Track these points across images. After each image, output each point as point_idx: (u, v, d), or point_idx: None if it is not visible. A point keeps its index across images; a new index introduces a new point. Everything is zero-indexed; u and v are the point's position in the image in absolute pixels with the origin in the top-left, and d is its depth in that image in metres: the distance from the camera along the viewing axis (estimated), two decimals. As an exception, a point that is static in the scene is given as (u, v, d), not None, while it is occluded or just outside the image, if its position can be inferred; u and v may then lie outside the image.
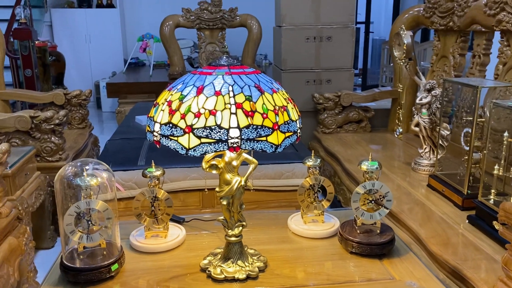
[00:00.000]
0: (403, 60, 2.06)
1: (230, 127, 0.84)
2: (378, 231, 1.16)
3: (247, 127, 0.85)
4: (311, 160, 1.23)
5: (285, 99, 0.94)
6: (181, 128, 0.86)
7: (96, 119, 5.41)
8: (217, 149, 0.85)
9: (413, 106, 2.12)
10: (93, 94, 5.99)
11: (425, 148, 2.13)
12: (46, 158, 2.31)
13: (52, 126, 2.28)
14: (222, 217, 1.06)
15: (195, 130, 0.85)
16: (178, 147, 0.86)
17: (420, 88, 2.12)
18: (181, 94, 0.89)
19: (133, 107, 3.16)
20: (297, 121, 0.95)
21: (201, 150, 0.85)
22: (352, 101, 2.78)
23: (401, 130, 2.07)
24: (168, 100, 0.90)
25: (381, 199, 1.12)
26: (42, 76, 4.18)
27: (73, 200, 1.03)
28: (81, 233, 1.02)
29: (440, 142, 2.06)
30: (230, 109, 0.85)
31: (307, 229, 1.24)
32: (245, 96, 0.87)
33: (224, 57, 0.95)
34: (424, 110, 2.07)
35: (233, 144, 0.85)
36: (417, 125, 2.11)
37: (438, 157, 2.08)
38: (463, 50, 2.39)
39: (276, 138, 0.88)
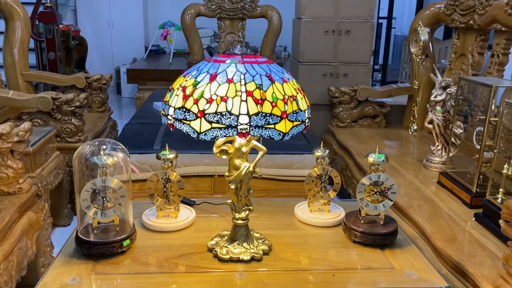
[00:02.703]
0: (419, 57, 2.06)
1: (240, 114, 0.88)
2: (382, 223, 1.19)
3: (256, 114, 0.89)
4: (319, 151, 1.27)
5: (295, 89, 0.97)
6: (193, 113, 0.90)
7: (115, 104, 5.51)
8: (227, 134, 0.89)
9: (428, 103, 2.13)
10: (114, 79, 6.10)
11: (437, 145, 2.13)
12: (66, 139, 2.38)
13: (73, 108, 2.35)
14: (230, 201, 1.11)
15: (207, 115, 0.89)
16: (190, 130, 0.91)
17: (435, 86, 2.13)
18: (195, 80, 0.93)
19: (152, 93, 3.23)
20: (306, 111, 0.98)
21: (211, 134, 0.89)
22: (368, 96, 2.79)
23: (415, 127, 2.08)
24: (182, 85, 0.94)
25: (386, 191, 1.15)
26: (64, 59, 4.27)
27: (90, 178, 1.08)
28: (96, 209, 1.07)
29: (453, 140, 2.07)
30: (241, 96, 0.89)
31: (313, 217, 1.27)
32: (256, 84, 0.91)
33: (238, 46, 0.99)
34: (438, 108, 2.07)
35: (242, 130, 0.89)
36: (431, 122, 2.12)
37: (450, 155, 2.09)
38: (482, 49, 2.38)
39: (284, 126, 0.92)
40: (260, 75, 0.93)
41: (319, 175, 1.27)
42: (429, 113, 2.12)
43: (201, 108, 0.89)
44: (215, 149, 1.05)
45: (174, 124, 0.94)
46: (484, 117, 1.74)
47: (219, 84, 0.90)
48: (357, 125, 2.85)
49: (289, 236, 1.21)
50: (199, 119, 0.89)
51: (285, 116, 0.91)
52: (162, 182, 1.21)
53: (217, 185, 1.81)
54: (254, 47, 5.32)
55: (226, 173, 1.07)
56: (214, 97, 0.89)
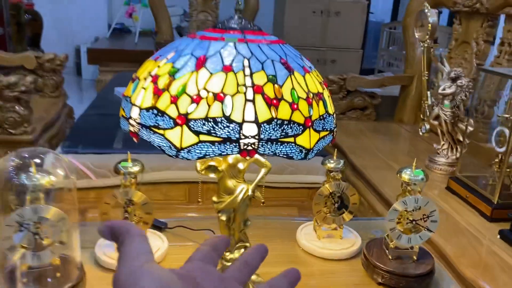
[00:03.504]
0: (426, 42, 1.79)
1: (244, 121, 0.57)
2: (415, 258, 0.91)
3: (269, 121, 0.58)
4: (332, 162, 0.97)
5: (320, 82, 0.66)
6: (170, 118, 0.58)
7: (75, 86, 5.05)
8: (223, 152, 0.58)
9: (423, 96, 1.86)
10: (73, 60, 5.61)
11: (443, 144, 1.88)
12: (9, 131, 2.00)
13: (17, 93, 1.96)
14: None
15: (192, 122, 0.57)
16: (164, 144, 0.59)
17: (443, 77, 1.87)
18: (173, 67, 0.60)
19: (114, 77, 2.85)
20: (334, 115, 0.68)
21: (198, 151, 0.58)
22: (358, 85, 2.52)
23: (427, 126, 1.81)
24: (153, 74, 0.62)
25: (425, 219, 0.87)
26: (15, 36, 3.79)
27: (17, 206, 0.74)
28: (24, 250, 0.74)
29: (461, 138, 1.83)
30: (245, 93, 0.57)
31: (322, 247, 0.98)
32: (268, 76, 0.59)
33: (236, 17, 0.66)
34: (446, 102, 1.81)
35: (248, 146, 0.57)
36: (437, 118, 1.86)
37: (457, 155, 1.85)
38: (489, 36, 2.14)
39: (307, 139, 0.61)
40: (273, 61, 0.61)
41: (332, 193, 0.97)
42: (435, 107, 1.86)
43: (182, 111, 0.57)
44: (199, 165, 0.73)
45: (140, 134, 0.62)
46: (508, 116, 1.48)
47: (211, 74, 0.58)
48: (345, 118, 2.58)
49: (293, 275, 0.91)
50: (179, 128, 0.57)
51: (309, 124, 0.61)
52: (123, 205, 0.88)
53: (193, 193, 1.49)
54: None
55: (215, 198, 0.76)
56: (203, 93, 0.57)
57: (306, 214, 1.53)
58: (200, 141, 0.57)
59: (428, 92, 1.87)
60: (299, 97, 0.60)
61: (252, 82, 0.58)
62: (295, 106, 0.59)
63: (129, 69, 4.06)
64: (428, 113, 1.87)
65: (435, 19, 1.72)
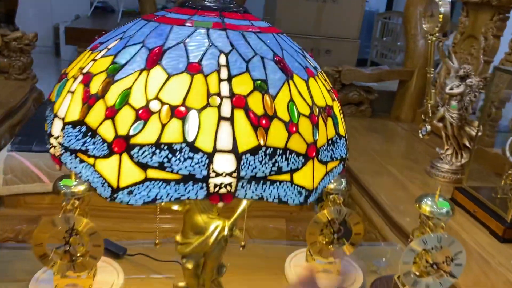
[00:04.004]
0: (435, 36, 1.60)
1: (216, 150, 0.37)
2: (432, 306, 0.73)
3: (255, 151, 0.38)
4: (332, 182, 0.78)
5: (328, 90, 0.47)
6: (104, 140, 0.38)
7: (53, 68, 4.76)
8: (183, 195, 0.38)
9: (426, 95, 1.68)
10: (52, 39, 5.31)
11: (447, 149, 1.71)
12: (-39, 118, 1.77)
13: (-29, 76, 1.73)
14: (183, 284, 0.60)
15: (136, 150, 0.37)
16: (95, 180, 0.39)
17: (450, 74, 1.68)
18: (114, 62, 0.40)
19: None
20: (346, 136, 0.48)
21: (145, 194, 0.38)
22: (354, 79, 2.33)
23: (429, 128, 1.63)
24: (85, 71, 0.42)
25: (448, 262, 0.69)
26: (-15, 11, 3.51)
27: None
28: None
29: (467, 143, 1.66)
30: (219, 107, 0.38)
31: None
32: (255, 81, 0.39)
33: (214, -7, 0.46)
34: (454, 103, 1.63)
35: (220, 187, 0.38)
36: (441, 119, 1.68)
37: (463, 162, 1.68)
38: (499, 31, 1.95)
39: (310, 175, 0.42)
40: (263, 58, 0.41)
41: (331, 221, 0.78)
42: (440, 108, 1.68)
43: (122, 131, 0.37)
44: (158, 195, 0.53)
45: (63, 159, 0.41)
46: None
47: (169, 75, 0.38)
48: (339, 113, 2.39)
49: (280, 324, 0.73)
50: (116, 156, 0.38)
51: (314, 153, 0.41)
52: (64, 235, 0.68)
53: (165, 201, 1.29)
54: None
55: (178, 238, 0.57)
56: (154, 105, 0.37)
57: (294, 227, 1.34)
58: (147, 179, 0.37)
59: (432, 91, 1.69)
60: (299, 114, 0.40)
61: (231, 91, 0.38)
62: (294, 127, 0.40)
63: (109, 51, 3.83)
64: (430, 113, 1.69)
65: (447, 9, 1.52)
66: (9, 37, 2.39)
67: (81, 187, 0.68)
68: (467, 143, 1.65)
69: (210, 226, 0.55)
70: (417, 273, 0.70)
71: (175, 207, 0.54)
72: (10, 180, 1.17)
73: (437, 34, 1.58)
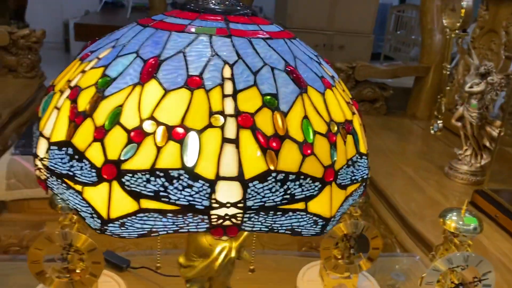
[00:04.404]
0: (456, 32, 1.53)
1: (218, 177, 0.32)
2: (456, 328, 0.67)
3: (263, 177, 0.33)
4: (349, 192, 0.73)
5: (347, 103, 0.42)
6: (92, 165, 0.33)
7: (63, 64, 4.75)
8: (182, 227, 0.33)
9: (443, 91, 1.61)
10: (62, 35, 5.31)
11: (466, 149, 1.64)
12: (-32, 118, 1.74)
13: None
14: (187, 308, 0.56)
15: (128, 177, 0.32)
16: (84, 209, 0.34)
17: (470, 72, 1.61)
18: (105, 74, 0.35)
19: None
20: (367, 154, 0.43)
21: (139, 226, 0.33)
22: (368, 75, 2.26)
23: (440, 125, 1.56)
24: (72, 84, 0.37)
25: (475, 284, 0.63)
26: (-4, 7, 3.50)
27: None
28: None
29: (487, 144, 1.59)
30: (222, 127, 0.33)
31: (331, 302, 0.75)
32: (263, 95, 0.34)
33: (219, -6, 0.41)
34: (474, 102, 1.56)
35: (224, 219, 0.33)
36: (460, 118, 1.62)
37: (483, 163, 1.61)
38: (521, 25, 1.88)
39: (328, 201, 0.36)
40: (273, 68, 0.36)
41: (347, 235, 0.73)
42: (459, 107, 1.62)
43: (112, 155, 0.33)
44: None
45: (49, 184, 0.37)
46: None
47: (166, 91, 0.34)
48: (352, 111, 2.33)
49: None
50: (106, 184, 0.33)
51: (332, 177, 0.36)
52: (62, 251, 0.64)
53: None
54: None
55: (181, 260, 0.52)
56: (148, 126, 0.33)
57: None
58: (141, 210, 0.33)
59: (447, 88, 1.62)
60: (315, 133, 0.35)
61: (236, 108, 0.33)
62: (309, 149, 0.35)
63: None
64: (443, 109, 1.62)
65: (470, 3, 1.45)
66: (17, 35, 2.36)
67: (80, 201, 0.63)
68: (487, 144, 1.58)
69: (216, 248, 0.50)
70: (441, 294, 0.65)
71: (178, 227, 0.50)
72: (14, 185, 1.14)
73: (457, 30, 1.51)
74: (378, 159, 1.80)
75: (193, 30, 0.37)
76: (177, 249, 0.87)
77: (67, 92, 0.37)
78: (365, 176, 0.41)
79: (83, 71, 0.37)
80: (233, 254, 0.51)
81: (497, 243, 1.26)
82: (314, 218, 0.36)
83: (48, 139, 0.36)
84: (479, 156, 1.62)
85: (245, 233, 0.51)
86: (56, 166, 0.35)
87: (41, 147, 0.37)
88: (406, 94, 2.42)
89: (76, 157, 0.34)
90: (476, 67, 1.59)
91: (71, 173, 0.34)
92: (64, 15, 5.33)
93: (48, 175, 0.36)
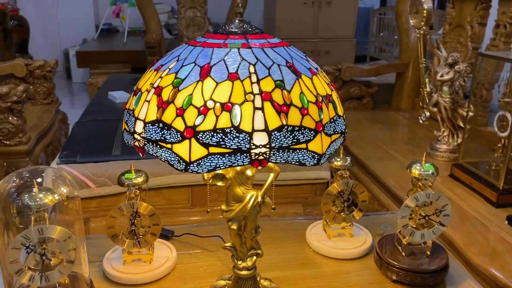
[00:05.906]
0: (423, 29, 1.77)
1: (254, 130, 0.55)
2: (429, 253, 0.90)
3: (280, 129, 0.56)
4: (339, 160, 0.95)
5: (327, 83, 0.64)
6: (177, 131, 0.56)
7: (66, 91, 4.99)
8: (234, 163, 0.56)
9: (421, 84, 1.84)
10: (62, 63, 5.54)
11: (444, 131, 1.87)
12: (3, 142, 1.96)
13: (9, 104, 1.93)
14: (229, 244, 0.78)
15: (200, 134, 0.55)
16: (173, 158, 0.56)
17: (440, 63, 1.85)
18: (177, 77, 0.58)
19: (106, 80, 2.81)
20: (343, 116, 0.66)
21: (209, 164, 0.55)
22: (353, 75, 2.50)
23: (427, 114, 1.79)
24: (156, 85, 0.59)
25: (437, 214, 0.86)
26: (2, 43, 3.73)
27: (20, 225, 0.72)
28: (32, 272, 0.72)
29: (461, 124, 1.82)
30: (253, 101, 0.55)
31: (333, 246, 0.97)
32: (275, 81, 0.57)
33: (237, 21, 0.64)
34: (445, 88, 1.80)
35: (259, 155, 0.55)
36: (436, 104, 1.85)
37: (459, 141, 1.84)
38: (483, 19, 2.12)
39: (319, 144, 0.59)
40: (279, 65, 0.59)
41: (341, 192, 0.96)
42: (434, 94, 1.85)
43: (189, 123, 0.55)
44: (205, 175, 0.71)
45: (146, 148, 0.59)
46: (509, 100, 1.47)
47: (217, 83, 0.56)
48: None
49: (306, 277, 0.90)
50: (187, 141, 0.55)
51: (321, 128, 0.59)
52: (129, 217, 0.86)
53: (195, 196, 1.47)
54: (216, 23, 4.89)
55: (223, 207, 0.74)
56: (210, 104, 0.55)
57: (311, 210, 1.52)
58: (209, 154, 0.55)
59: (426, 79, 1.86)
60: (308, 102, 0.58)
61: (260, 89, 0.56)
62: (305, 111, 0.57)
63: (120, 71, 4.02)
64: (427, 100, 1.85)
65: (430, 5, 1.70)
66: (33, 66, 2.59)
67: (140, 179, 0.86)
68: (461, 124, 1.81)
69: (247, 196, 0.72)
70: (414, 226, 0.87)
71: (220, 183, 0.72)
72: (62, 188, 1.35)
73: (423, 28, 1.75)
74: (369, 147, 2.03)
75: (226, 46, 0.60)
76: (206, 223, 1.09)
77: (153, 90, 0.59)
78: (343, 130, 0.64)
79: (161, 77, 0.60)
80: (259, 199, 0.73)
81: (472, 204, 1.49)
82: (312, 154, 0.58)
83: (143, 120, 0.59)
84: (455, 135, 1.85)
85: (266, 184, 0.73)
86: (151, 135, 0.58)
87: (138, 126, 0.59)
88: (390, 89, 2.66)
89: (165, 128, 0.56)
90: (445, 58, 1.83)
91: (162, 138, 0.57)
92: (63, 45, 5.57)
93: (145, 142, 0.59)
